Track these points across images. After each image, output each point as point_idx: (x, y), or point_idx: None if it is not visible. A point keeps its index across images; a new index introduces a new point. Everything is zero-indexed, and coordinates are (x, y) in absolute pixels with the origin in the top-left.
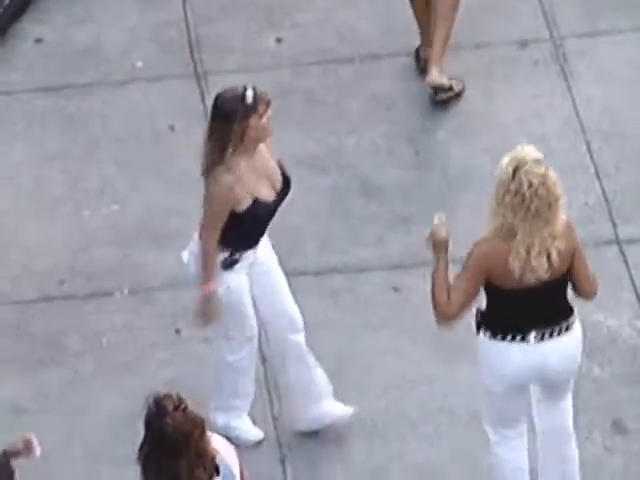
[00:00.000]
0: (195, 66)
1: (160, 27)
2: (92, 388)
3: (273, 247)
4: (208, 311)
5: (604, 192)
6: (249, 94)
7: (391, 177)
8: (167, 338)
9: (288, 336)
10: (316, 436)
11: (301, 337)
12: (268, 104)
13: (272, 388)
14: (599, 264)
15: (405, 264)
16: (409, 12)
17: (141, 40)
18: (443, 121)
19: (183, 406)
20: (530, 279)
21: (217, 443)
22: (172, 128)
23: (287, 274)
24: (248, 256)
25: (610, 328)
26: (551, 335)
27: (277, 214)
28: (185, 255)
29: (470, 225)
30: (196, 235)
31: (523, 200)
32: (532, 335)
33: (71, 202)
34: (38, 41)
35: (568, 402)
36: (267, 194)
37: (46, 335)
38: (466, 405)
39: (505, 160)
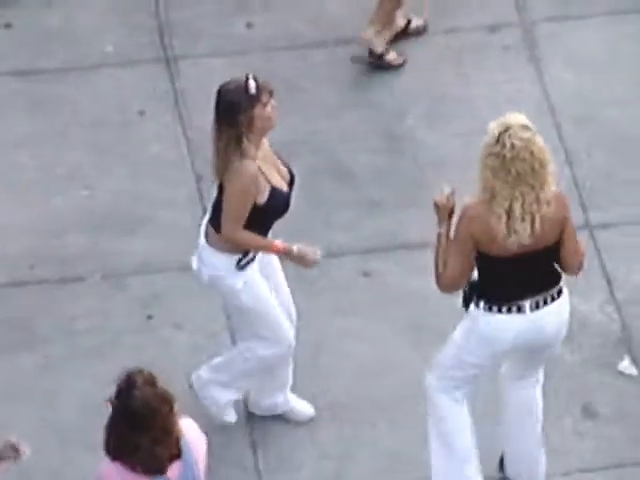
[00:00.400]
0: (165, 51)
1: (130, 11)
2: (63, 373)
3: None
4: (302, 257)
5: (574, 177)
6: (251, 84)
7: (363, 162)
8: (138, 324)
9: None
10: (287, 421)
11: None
12: (271, 93)
13: None
14: None
15: (378, 249)
16: None
17: (111, 25)
18: (415, 106)
19: (152, 382)
20: (514, 243)
21: (187, 427)
22: (142, 113)
23: None
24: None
25: (581, 313)
26: (545, 302)
27: None
28: (194, 262)
29: None
30: (203, 240)
31: (504, 162)
32: (527, 304)
33: (42, 187)
34: (7, 26)
35: (541, 375)
36: (281, 184)
37: (17, 320)
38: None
39: (493, 124)
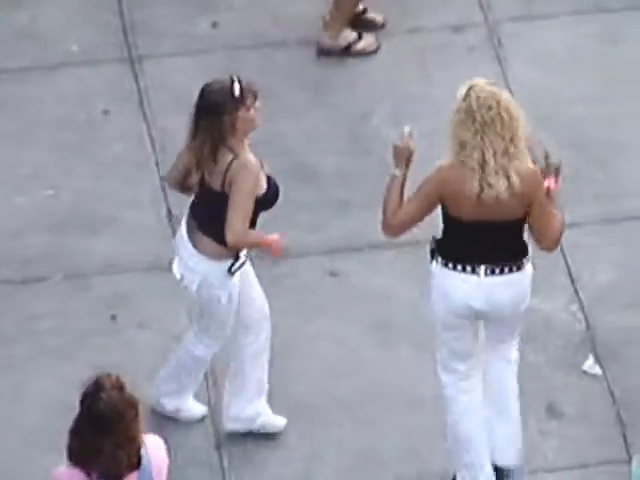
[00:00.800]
0: (130, 50)
1: (95, 11)
2: (27, 373)
3: None
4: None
5: None
6: (236, 87)
7: (329, 162)
8: (102, 324)
9: (261, 335)
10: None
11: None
12: (255, 96)
13: (209, 374)
14: (534, 250)
15: (344, 249)
16: None
17: (76, 24)
18: (380, 106)
19: (120, 386)
20: (491, 198)
21: (153, 444)
22: (107, 112)
23: None
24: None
25: (545, 313)
26: (501, 271)
27: None
28: (177, 268)
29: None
30: (191, 248)
31: (471, 112)
32: (482, 268)
33: (5, 187)
34: None
35: (512, 355)
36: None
37: None
38: (404, 390)
39: (459, 89)
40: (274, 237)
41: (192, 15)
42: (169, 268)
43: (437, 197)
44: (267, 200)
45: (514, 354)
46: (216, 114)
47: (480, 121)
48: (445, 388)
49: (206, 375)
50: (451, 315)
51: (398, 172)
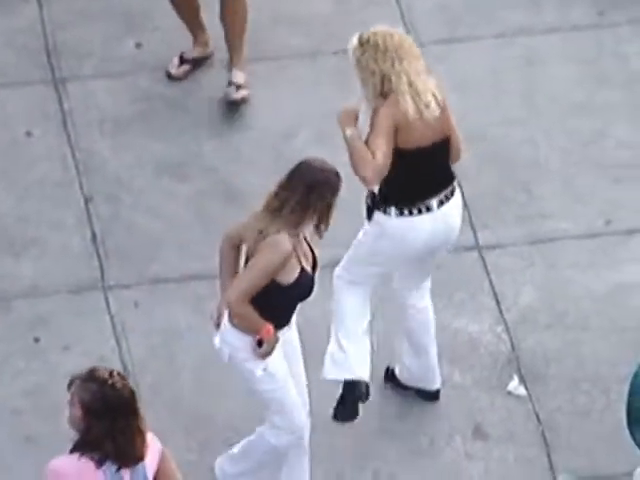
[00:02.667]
0: (53, 71)
1: (16, 33)
2: None
3: (137, 255)
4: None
5: (464, 198)
6: (340, 184)
7: (253, 182)
8: (25, 346)
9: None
10: (179, 444)
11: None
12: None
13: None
14: (459, 270)
15: None
16: (269, 15)
17: None
18: (303, 127)
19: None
20: (431, 116)
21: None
22: (30, 134)
23: (148, 281)
24: (283, 333)
25: (471, 334)
26: (447, 198)
27: (139, 219)
28: (217, 340)
29: (333, 226)
30: (226, 319)
31: (380, 46)
32: (434, 202)
33: None
34: None
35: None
36: (308, 267)
37: None
38: (322, 409)
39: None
40: (269, 327)
41: (116, 36)
42: (93, 290)
43: (391, 129)
44: (297, 291)
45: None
46: (320, 191)
47: (391, 49)
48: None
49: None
50: (399, 262)
51: (350, 131)
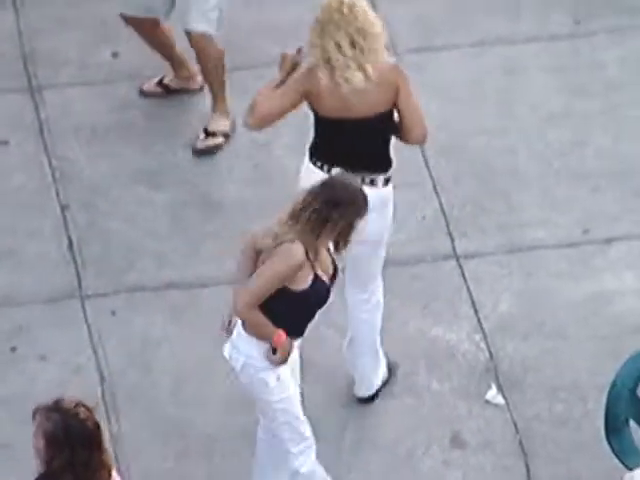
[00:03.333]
0: (29, 80)
1: None
2: None
3: (114, 263)
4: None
5: (442, 207)
6: (365, 203)
7: (230, 192)
8: (2, 356)
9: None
10: (155, 452)
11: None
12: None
13: (110, 409)
14: (437, 279)
15: None
16: (248, 24)
17: None
18: (281, 136)
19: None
20: (349, 91)
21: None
22: (6, 142)
23: (125, 290)
24: (298, 344)
25: (449, 343)
26: (363, 181)
27: (115, 228)
28: (227, 349)
29: None
30: (240, 326)
31: (317, 18)
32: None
33: None
34: None
35: (377, 295)
36: (323, 275)
37: None
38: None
39: None
40: (281, 333)
41: (92, 45)
42: (70, 299)
43: (296, 90)
44: (311, 298)
45: (376, 293)
46: (346, 210)
47: (320, 21)
48: None
49: (107, 407)
50: None
51: (280, 77)
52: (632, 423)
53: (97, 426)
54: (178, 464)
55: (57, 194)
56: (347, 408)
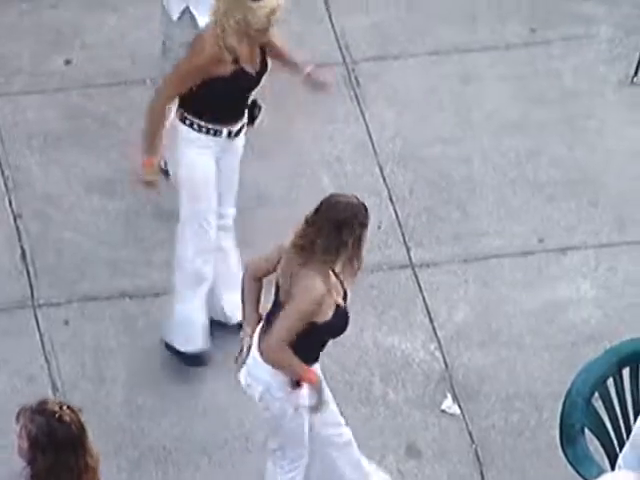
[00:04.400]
0: None
1: None
2: None
3: (67, 273)
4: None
5: (397, 216)
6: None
7: None
8: None
9: None
10: (109, 463)
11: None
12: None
13: None
14: (392, 288)
15: None
16: None
17: None
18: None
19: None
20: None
21: None
22: None
23: (78, 299)
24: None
25: (404, 352)
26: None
27: (68, 237)
28: (243, 376)
29: (268, 245)
30: (257, 355)
31: None
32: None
33: None
34: None
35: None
36: (340, 301)
37: None
38: (260, 433)
39: None
40: (311, 371)
41: (45, 53)
42: (22, 308)
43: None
44: (332, 328)
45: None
46: (352, 230)
47: None
48: None
49: None
50: None
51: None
52: (587, 432)
53: (82, 429)
54: (132, 475)
55: (10, 203)
56: None
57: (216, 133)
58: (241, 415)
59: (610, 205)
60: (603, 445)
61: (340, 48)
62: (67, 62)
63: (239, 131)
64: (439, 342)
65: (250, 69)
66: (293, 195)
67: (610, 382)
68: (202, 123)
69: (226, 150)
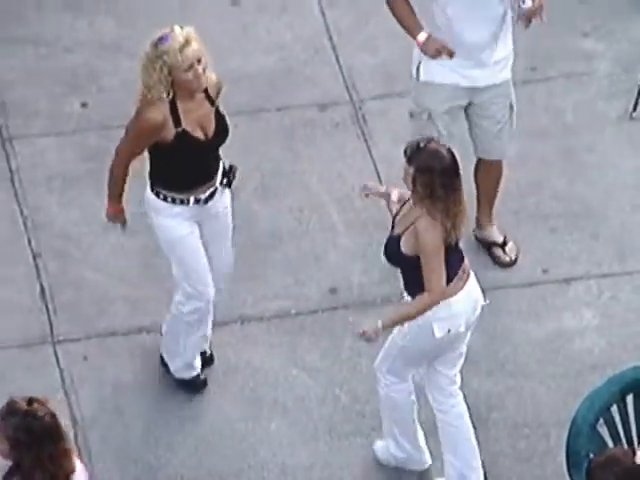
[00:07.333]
0: (0, 130)
1: None
2: None
3: (86, 309)
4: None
5: None
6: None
7: None
8: None
9: None
10: None
11: None
12: None
13: (83, 451)
14: None
15: (220, 322)
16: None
17: None
18: (247, 181)
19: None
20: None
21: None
22: None
23: (97, 335)
24: None
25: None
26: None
27: (87, 275)
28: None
29: (280, 282)
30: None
31: None
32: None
33: None
34: None
35: None
36: None
37: None
38: (276, 460)
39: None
40: None
41: (62, 96)
42: (42, 345)
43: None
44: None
45: None
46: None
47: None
48: None
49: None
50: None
51: None
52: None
53: (54, 417)
54: None
55: (29, 242)
56: (314, 446)
57: (182, 202)
58: (256, 445)
59: (611, 236)
60: None
61: (347, 87)
62: (83, 105)
63: (210, 196)
64: None
65: (198, 134)
66: (302, 230)
67: (614, 409)
68: (165, 192)
69: (204, 216)
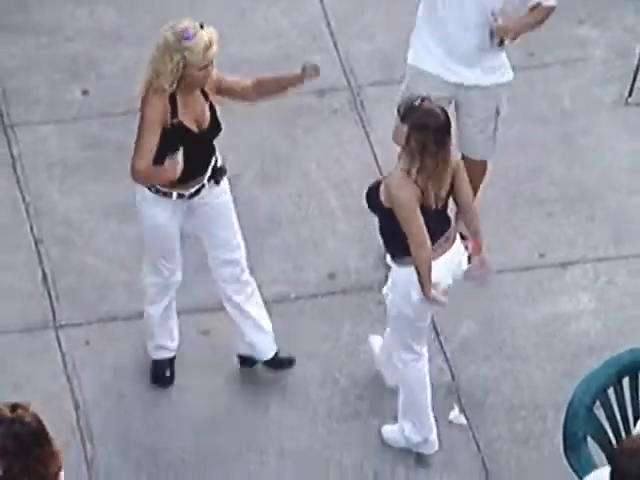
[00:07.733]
0: (2, 118)
1: None
2: None
3: (87, 295)
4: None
5: None
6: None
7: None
8: None
9: None
10: (129, 477)
11: None
12: None
13: (85, 435)
14: None
15: (215, 308)
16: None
17: None
18: (247, 167)
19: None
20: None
21: None
22: None
23: (98, 320)
24: None
25: None
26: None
27: (88, 261)
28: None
29: (279, 267)
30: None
31: None
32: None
33: None
34: None
35: None
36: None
37: None
38: (275, 443)
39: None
40: None
41: (63, 83)
42: (44, 330)
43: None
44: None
45: None
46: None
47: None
48: None
49: (82, 433)
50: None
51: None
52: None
53: (39, 421)
54: None
55: (31, 229)
56: (313, 430)
57: (165, 194)
58: (255, 428)
59: (607, 220)
60: (605, 451)
61: (345, 73)
62: (84, 92)
63: (196, 192)
64: (446, 355)
65: (192, 126)
66: (302, 216)
67: (610, 391)
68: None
69: (194, 206)
